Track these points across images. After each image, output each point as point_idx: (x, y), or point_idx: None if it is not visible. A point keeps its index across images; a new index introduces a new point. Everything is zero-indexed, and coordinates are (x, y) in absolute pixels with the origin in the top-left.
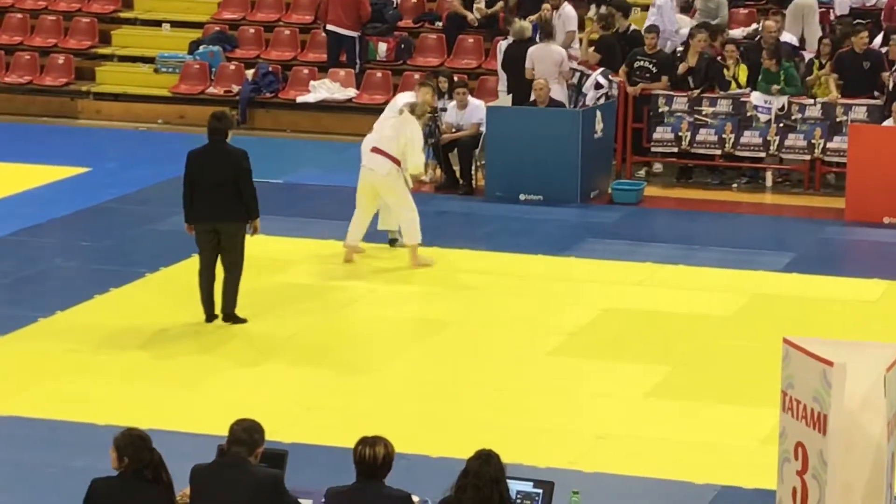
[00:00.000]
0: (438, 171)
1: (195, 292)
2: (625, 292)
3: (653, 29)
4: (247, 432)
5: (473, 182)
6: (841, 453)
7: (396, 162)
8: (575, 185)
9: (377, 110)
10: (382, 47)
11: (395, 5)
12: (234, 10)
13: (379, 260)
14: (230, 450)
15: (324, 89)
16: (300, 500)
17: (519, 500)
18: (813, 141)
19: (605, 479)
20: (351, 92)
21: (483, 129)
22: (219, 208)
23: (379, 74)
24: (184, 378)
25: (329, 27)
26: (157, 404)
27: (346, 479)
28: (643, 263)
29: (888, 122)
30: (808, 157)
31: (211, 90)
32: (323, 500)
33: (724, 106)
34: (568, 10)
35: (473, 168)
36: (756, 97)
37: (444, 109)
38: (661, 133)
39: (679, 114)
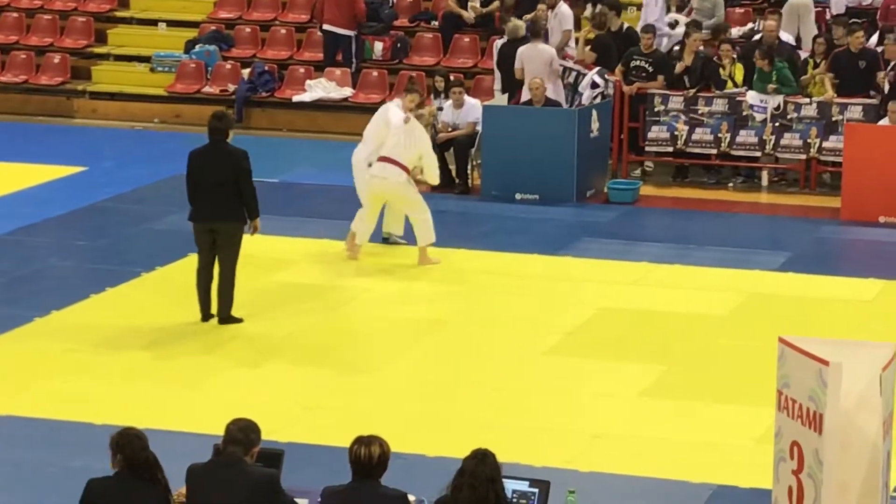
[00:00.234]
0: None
1: (191, 292)
2: (621, 292)
3: (649, 29)
4: (243, 432)
5: (469, 181)
6: (837, 452)
7: (407, 170)
8: (571, 185)
9: (373, 109)
10: (378, 46)
11: (390, 4)
12: (231, 10)
13: (376, 259)
14: (226, 449)
15: (320, 88)
16: (296, 500)
17: (515, 500)
18: (809, 140)
19: (601, 478)
20: (347, 91)
21: (479, 128)
22: (218, 208)
23: (375, 74)
24: (181, 377)
25: (325, 27)
26: (154, 404)
27: (343, 479)
28: (639, 263)
29: (884, 122)
30: (803, 157)
31: (207, 89)
32: (319, 499)
33: (719, 105)
34: (564, 9)
35: (469, 167)
36: (752, 96)
37: (441, 109)
38: (656, 132)
39: (675, 113)
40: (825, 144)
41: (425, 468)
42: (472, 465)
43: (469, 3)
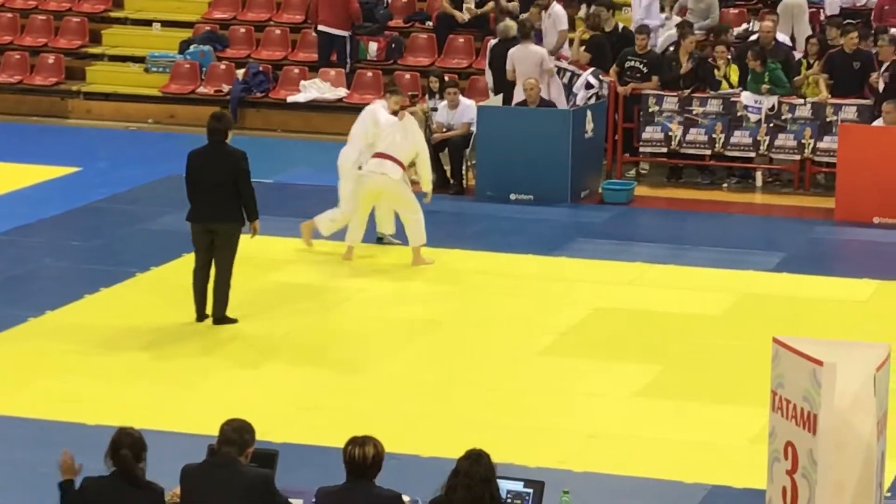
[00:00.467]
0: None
1: (186, 292)
2: (615, 292)
3: (643, 29)
4: (237, 432)
5: (464, 182)
6: (831, 453)
7: (403, 167)
8: (565, 185)
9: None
10: (373, 47)
11: (385, 5)
12: (225, 10)
13: (370, 260)
14: (220, 450)
15: (314, 89)
16: (291, 500)
17: (509, 500)
18: (803, 141)
19: (596, 478)
20: (341, 91)
21: (474, 128)
22: (216, 209)
23: (369, 74)
24: (176, 378)
25: (320, 27)
26: (149, 404)
27: (337, 479)
28: (633, 263)
29: (878, 122)
30: (798, 157)
31: (201, 90)
32: (313, 500)
33: (714, 106)
34: (557, 9)
35: (464, 168)
36: (746, 97)
37: (435, 109)
38: (650, 133)
39: (669, 114)
40: (819, 145)
41: (420, 468)
42: (467, 465)
43: (464, 5)
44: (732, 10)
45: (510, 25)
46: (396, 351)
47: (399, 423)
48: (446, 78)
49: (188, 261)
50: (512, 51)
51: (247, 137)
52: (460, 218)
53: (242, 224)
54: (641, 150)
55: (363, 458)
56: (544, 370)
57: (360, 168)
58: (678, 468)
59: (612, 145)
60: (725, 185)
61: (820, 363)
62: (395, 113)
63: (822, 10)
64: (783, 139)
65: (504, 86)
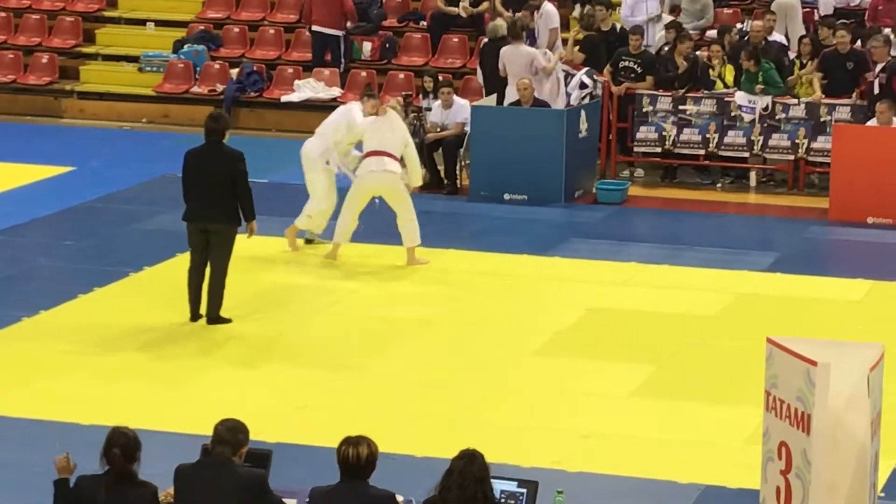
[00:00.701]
0: (423, 171)
1: (180, 291)
2: (609, 292)
3: (637, 30)
4: (231, 432)
5: (458, 182)
6: (825, 453)
7: (400, 162)
8: (559, 185)
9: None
10: (367, 46)
11: (379, 4)
12: (219, 10)
13: (364, 260)
14: (214, 449)
15: (308, 89)
16: (284, 500)
17: (503, 500)
18: (797, 141)
19: (590, 478)
20: (335, 91)
21: (468, 128)
22: (212, 209)
23: (363, 74)
24: (169, 377)
25: (314, 27)
26: (142, 403)
27: (331, 479)
28: (628, 263)
29: (872, 122)
30: (792, 157)
31: (195, 89)
32: (307, 499)
33: (708, 106)
34: (549, 8)
35: (458, 167)
36: (740, 97)
37: (429, 109)
38: (644, 133)
39: (663, 113)
40: (813, 145)
41: (414, 468)
42: (461, 465)
43: (460, 4)
44: (727, 11)
45: (499, 25)
46: (391, 351)
47: (393, 423)
48: (440, 78)
49: (182, 260)
50: (503, 50)
51: (241, 137)
52: (454, 218)
53: (238, 224)
54: (636, 149)
55: (357, 458)
56: (538, 370)
57: (327, 163)
58: (672, 468)
59: (605, 145)
60: (719, 185)
61: (814, 363)
62: (371, 116)
63: (815, 10)
64: (777, 139)
65: (495, 85)
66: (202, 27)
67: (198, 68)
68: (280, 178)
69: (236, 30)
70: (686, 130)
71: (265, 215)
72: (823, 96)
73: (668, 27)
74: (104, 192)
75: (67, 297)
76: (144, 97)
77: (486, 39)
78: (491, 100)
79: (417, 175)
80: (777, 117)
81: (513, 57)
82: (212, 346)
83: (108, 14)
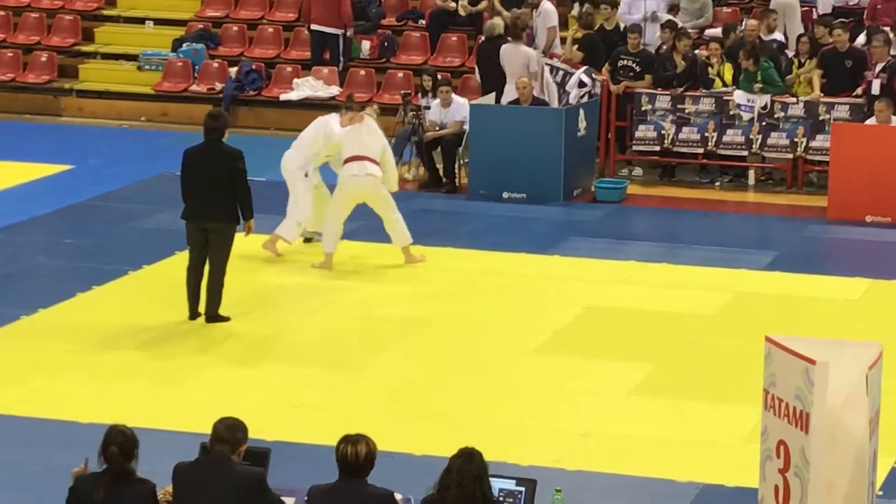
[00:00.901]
0: (422, 170)
1: (178, 290)
2: (608, 291)
3: (636, 28)
4: (230, 430)
5: (457, 180)
6: (823, 451)
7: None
8: (558, 184)
9: (360, 107)
10: (366, 45)
11: (378, 3)
12: (218, 8)
13: (361, 259)
14: (213, 448)
15: (307, 87)
16: (283, 499)
17: (502, 498)
18: (795, 139)
19: (588, 477)
20: (334, 90)
21: (466, 127)
22: (211, 207)
23: (362, 72)
24: (168, 375)
25: (313, 26)
26: (141, 402)
27: (330, 478)
28: (626, 262)
29: (871, 121)
30: (790, 156)
31: (194, 88)
32: (306, 498)
33: (706, 104)
34: (547, 6)
35: (457, 166)
36: (739, 96)
37: (428, 107)
38: (643, 131)
39: (662, 112)
40: (812, 144)
41: (412, 467)
42: (460, 463)
43: (459, 2)
44: (726, 10)
45: (496, 24)
46: (389, 349)
47: (392, 422)
48: (439, 76)
49: (181, 259)
50: (503, 49)
51: (240, 136)
52: (453, 216)
53: (237, 223)
54: (634, 148)
55: (356, 457)
56: (537, 369)
57: (305, 175)
58: (671, 467)
59: (604, 144)
60: (718, 183)
61: (812, 362)
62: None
63: (814, 9)
64: (776, 138)
65: (492, 84)
66: (201, 26)
67: (197, 67)
68: (278, 176)
69: (235, 28)
70: (685, 129)
71: (263, 213)
72: (822, 95)
73: (664, 26)
74: (103, 191)
75: (66, 295)
76: (143, 96)
77: (482, 38)
78: (490, 98)
79: (394, 180)
80: (776, 116)
81: (512, 56)
82: (210, 345)
83: (106, 13)
